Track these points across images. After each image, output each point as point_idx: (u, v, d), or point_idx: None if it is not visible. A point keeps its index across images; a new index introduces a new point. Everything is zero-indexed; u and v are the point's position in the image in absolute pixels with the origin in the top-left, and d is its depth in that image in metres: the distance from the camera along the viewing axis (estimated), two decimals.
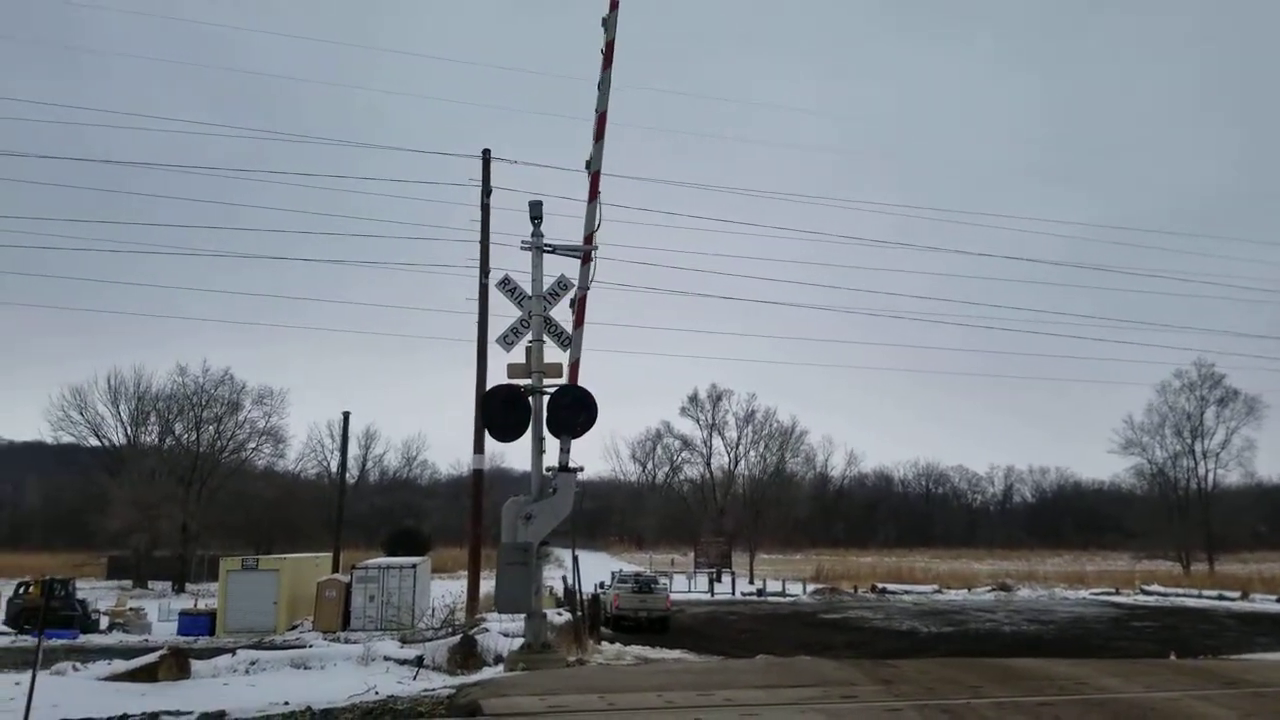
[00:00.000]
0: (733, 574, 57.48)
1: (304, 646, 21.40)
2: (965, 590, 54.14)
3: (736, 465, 76.78)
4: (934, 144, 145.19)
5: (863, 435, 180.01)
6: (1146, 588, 55.07)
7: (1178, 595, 52.05)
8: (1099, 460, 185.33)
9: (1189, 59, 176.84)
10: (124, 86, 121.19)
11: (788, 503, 74.90)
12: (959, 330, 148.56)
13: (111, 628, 34.25)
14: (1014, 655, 18.26)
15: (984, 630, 32.90)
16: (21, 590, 35.58)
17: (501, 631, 18.40)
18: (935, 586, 55.54)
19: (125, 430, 70.92)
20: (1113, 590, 55.02)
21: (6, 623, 34.08)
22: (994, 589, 54.33)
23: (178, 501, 60.98)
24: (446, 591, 33.05)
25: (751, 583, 57.17)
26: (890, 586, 53.99)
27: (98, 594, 44.38)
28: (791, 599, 48.41)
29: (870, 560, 76.74)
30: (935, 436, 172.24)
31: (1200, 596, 51.03)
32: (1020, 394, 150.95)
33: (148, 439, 70.38)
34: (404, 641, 19.70)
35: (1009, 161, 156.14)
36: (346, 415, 51.46)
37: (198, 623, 32.63)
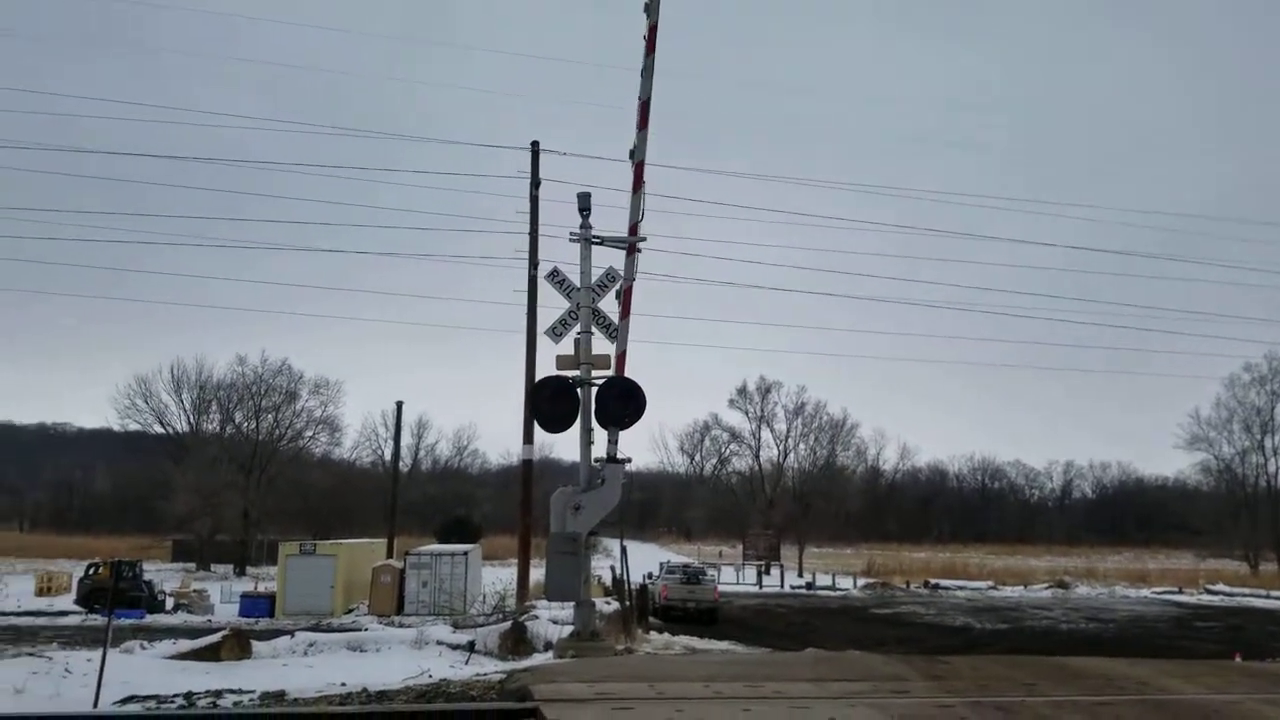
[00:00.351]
0: (781, 567, 57.20)
1: (360, 630, 21.87)
2: (1021, 587, 53.21)
3: (786, 458, 76.21)
4: (972, 135, 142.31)
5: (916, 429, 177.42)
6: (1211, 587, 53.57)
7: (1244, 595, 50.54)
8: (1163, 456, 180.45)
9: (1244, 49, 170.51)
10: (171, 82, 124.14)
11: (838, 496, 74.17)
12: (1016, 322, 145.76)
13: (176, 608, 35.27)
14: (1071, 654, 17.89)
15: (1040, 628, 32.32)
16: (92, 571, 36.81)
17: (551, 619, 18.59)
18: (990, 583, 54.67)
19: (188, 418, 73.08)
20: (1175, 589, 53.62)
21: (78, 602, 35.30)
22: (1051, 586, 53.30)
23: (238, 488, 62.61)
24: (497, 578, 33.45)
25: (800, 576, 56.87)
26: (943, 582, 53.27)
27: (163, 576, 45.75)
28: (841, 593, 48.05)
29: (923, 555, 75.67)
30: (991, 431, 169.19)
31: (1268, 597, 49.49)
32: (1080, 388, 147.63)
33: (209, 427, 72.36)
34: (456, 627, 20.01)
35: (1057, 153, 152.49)
36: (399, 405, 52.32)
37: (258, 605, 33.43)
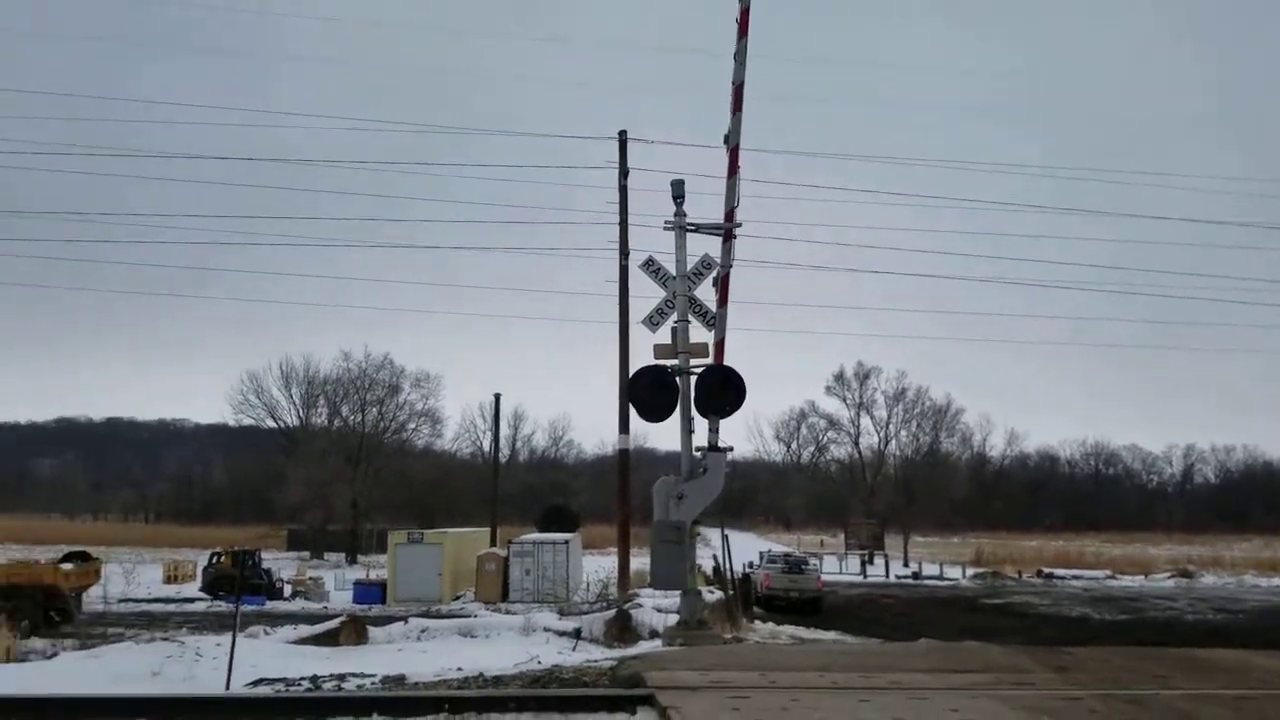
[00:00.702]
0: (885, 556, 56.15)
1: (469, 616, 22.38)
2: (1142, 576, 50.94)
3: (887, 445, 74.60)
4: (1080, 102, 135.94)
5: (1024, 414, 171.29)
6: None
7: None
8: None
9: None
10: (267, 86, 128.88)
11: (942, 484, 72.25)
12: (1127, 300, 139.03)
13: (294, 595, 36.69)
14: (1199, 645, 16.96)
15: (1164, 619, 30.85)
16: (214, 560, 38.67)
17: (655, 607, 18.63)
18: (1108, 572, 52.51)
19: (298, 413, 75.97)
20: None
21: (203, 589, 37.10)
22: (1174, 575, 50.82)
23: (347, 479, 64.81)
24: (599, 567, 33.77)
25: (906, 566, 55.70)
26: (1057, 571, 51.41)
27: (280, 564, 47.68)
28: (950, 583, 46.85)
29: (1034, 544, 73.08)
30: (1104, 414, 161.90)
31: None
32: (1200, 368, 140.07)
33: (318, 421, 75.06)
34: (562, 614, 20.28)
35: (1160, 117, 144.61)
36: (498, 397, 53.21)
37: (370, 592, 34.51)
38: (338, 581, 40.09)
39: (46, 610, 23.91)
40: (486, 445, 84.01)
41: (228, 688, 11.61)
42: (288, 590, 37.35)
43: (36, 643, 20.05)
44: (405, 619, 20.05)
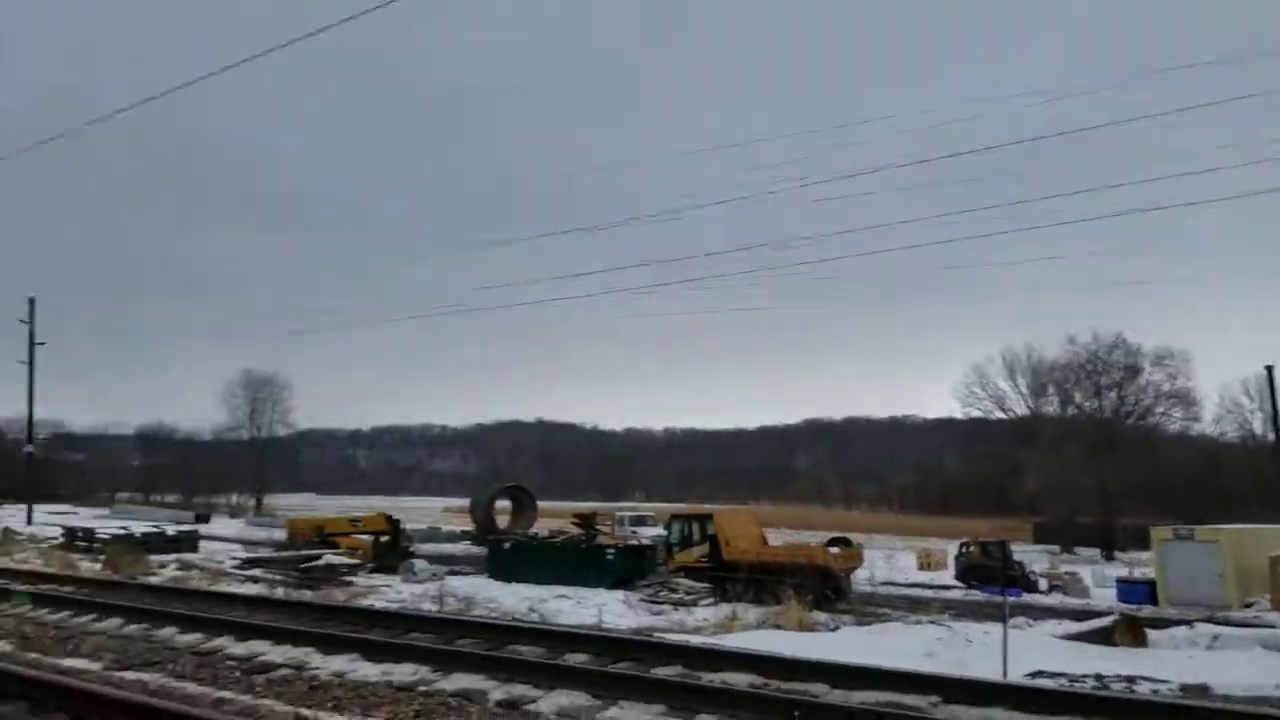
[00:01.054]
0: None
1: (1270, 627, 18.75)
2: None
3: None
4: None
5: None
6: None
7: None
8: None
9: None
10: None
11: None
12: None
13: (1050, 589, 35.52)
14: None
15: None
16: (964, 550, 39.72)
17: None
18: None
19: (1026, 402, 74.68)
20: None
21: (956, 577, 38.33)
22: None
23: (1090, 470, 61.14)
24: None
25: None
26: None
27: (1028, 557, 46.74)
28: None
29: None
30: None
31: None
32: None
33: (1048, 409, 72.83)
34: None
35: None
36: (1270, 369, 45.09)
37: (1136, 590, 31.59)
38: (1095, 578, 37.79)
39: (823, 588, 26.68)
40: (1257, 427, 71.13)
41: (1005, 676, 11.35)
42: (1042, 584, 36.39)
43: (819, 616, 22.35)
44: (1189, 624, 17.56)
